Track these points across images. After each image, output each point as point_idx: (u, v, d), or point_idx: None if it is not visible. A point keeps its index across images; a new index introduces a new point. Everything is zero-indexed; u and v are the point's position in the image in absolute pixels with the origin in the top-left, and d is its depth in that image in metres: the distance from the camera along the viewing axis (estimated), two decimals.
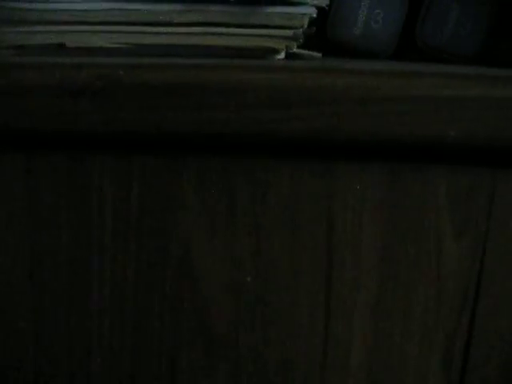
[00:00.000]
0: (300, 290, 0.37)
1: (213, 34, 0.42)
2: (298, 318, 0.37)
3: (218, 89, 0.32)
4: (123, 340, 0.38)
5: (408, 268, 0.37)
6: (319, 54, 0.45)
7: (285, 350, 0.38)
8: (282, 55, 0.43)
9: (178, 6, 0.41)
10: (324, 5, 0.42)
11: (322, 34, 0.52)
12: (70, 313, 0.38)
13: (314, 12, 0.42)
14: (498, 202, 0.36)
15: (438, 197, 0.36)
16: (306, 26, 0.42)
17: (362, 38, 0.52)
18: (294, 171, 0.36)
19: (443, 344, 0.38)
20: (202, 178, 0.36)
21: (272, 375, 0.38)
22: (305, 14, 0.41)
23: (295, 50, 0.43)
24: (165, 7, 0.41)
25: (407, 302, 0.37)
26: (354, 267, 0.37)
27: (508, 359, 0.38)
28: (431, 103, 0.32)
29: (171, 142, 0.35)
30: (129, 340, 0.38)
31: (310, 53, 0.45)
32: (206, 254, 0.37)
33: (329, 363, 0.38)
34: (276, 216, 0.36)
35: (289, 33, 0.42)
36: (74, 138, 0.34)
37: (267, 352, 0.38)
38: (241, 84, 0.32)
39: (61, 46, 0.44)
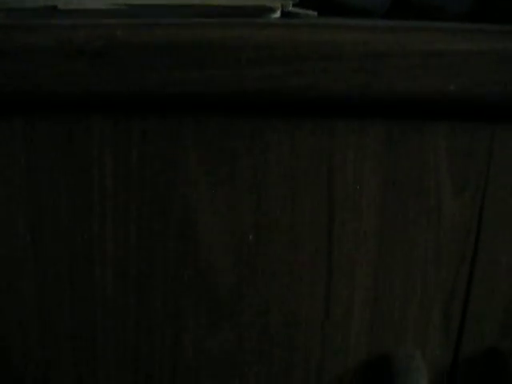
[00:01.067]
0: (302, 248, 0.37)
1: None
2: (299, 275, 0.38)
3: (218, 46, 0.32)
4: (127, 304, 0.38)
5: (408, 224, 0.37)
6: (314, 13, 0.45)
7: (287, 308, 0.38)
8: (277, 14, 0.43)
9: None
10: None
11: None
12: (73, 279, 0.38)
13: None
14: (496, 159, 0.36)
15: (437, 153, 0.36)
16: None
17: None
18: (293, 129, 0.36)
19: (442, 299, 0.38)
20: (202, 138, 0.36)
21: (275, 333, 0.39)
22: None
23: (291, 8, 0.43)
24: None
25: (407, 258, 0.38)
26: (354, 224, 0.37)
27: (506, 314, 0.39)
28: (431, 58, 0.32)
29: (171, 102, 0.34)
30: (132, 304, 0.38)
31: (306, 11, 0.45)
32: (208, 215, 0.37)
33: (331, 321, 0.39)
34: (277, 175, 0.36)
35: None
36: (73, 100, 0.34)
37: (270, 310, 0.38)
38: (240, 41, 0.32)
39: (53, 9, 0.44)
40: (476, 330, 0.39)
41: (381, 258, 0.38)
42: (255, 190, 0.36)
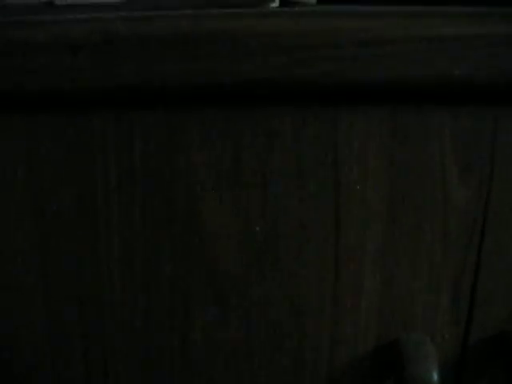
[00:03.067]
0: (309, 236, 0.37)
1: None
2: (307, 264, 0.38)
3: (219, 37, 0.32)
4: (134, 298, 0.38)
5: (414, 211, 0.37)
6: (313, 1, 0.45)
7: (295, 297, 0.38)
8: (276, 3, 0.42)
9: None
10: None
11: None
12: (80, 273, 0.38)
13: None
14: (501, 143, 0.36)
15: (442, 138, 0.36)
16: None
17: None
18: (297, 118, 0.35)
19: (451, 282, 0.38)
20: (206, 129, 0.35)
21: (283, 322, 0.39)
22: None
23: None
24: None
25: (415, 244, 0.38)
26: (361, 211, 0.37)
27: None
28: (435, 42, 0.32)
29: (173, 94, 0.34)
30: (140, 297, 0.38)
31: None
32: (214, 206, 0.37)
33: (340, 307, 0.39)
34: (282, 164, 0.36)
35: None
36: (74, 95, 0.34)
37: (277, 300, 0.38)
38: (242, 31, 0.32)
39: (49, 5, 0.43)
40: (485, 314, 0.39)
41: (388, 245, 0.38)
42: (260, 180, 0.36)
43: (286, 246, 0.37)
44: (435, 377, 0.37)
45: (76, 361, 0.39)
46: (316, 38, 0.32)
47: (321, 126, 0.35)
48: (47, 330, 0.39)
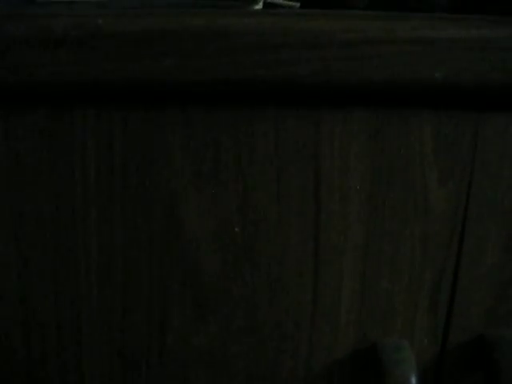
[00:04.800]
0: (288, 238, 0.37)
1: None
2: (287, 266, 0.38)
3: (200, 35, 0.32)
4: (112, 295, 0.38)
5: (394, 213, 0.37)
6: (297, 4, 0.45)
7: (275, 299, 0.38)
8: (259, 5, 0.42)
9: None
10: None
11: None
12: (57, 272, 0.37)
13: None
14: (481, 147, 0.36)
15: (423, 141, 0.36)
16: None
17: None
18: (278, 118, 0.35)
19: (429, 288, 0.38)
20: (186, 128, 0.35)
21: (262, 325, 0.39)
22: None
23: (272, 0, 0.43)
24: None
25: (394, 246, 0.38)
26: (341, 214, 0.37)
27: (493, 302, 0.39)
28: (415, 45, 0.32)
29: (154, 92, 0.34)
30: (118, 294, 0.38)
31: (288, 2, 0.44)
32: (193, 206, 0.36)
33: (318, 311, 0.38)
34: (262, 165, 0.36)
35: None
36: (54, 91, 0.33)
37: (257, 302, 0.38)
38: (224, 29, 0.32)
39: (30, 1, 0.43)
40: (463, 318, 0.39)
41: (367, 248, 0.37)
42: (241, 180, 0.36)
43: (265, 247, 0.37)
44: (414, 381, 0.37)
45: (51, 361, 0.39)
46: (299, 38, 0.32)
47: (302, 128, 0.35)
48: (23, 329, 0.38)
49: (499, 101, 0.35)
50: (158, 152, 0.36)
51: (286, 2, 0.44)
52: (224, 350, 0.39)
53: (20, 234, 0.37)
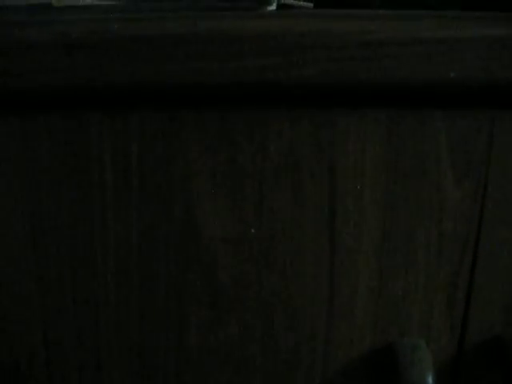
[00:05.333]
0: (304, 240, 0.37)
1: None
2: (303, 268, 0.38)
3: (215, 38, 0.32)
4: (130, 296, 0.38)
5: (410, 213, 0.37)
6: (310, 4, 0.45)
7: (291, 300, 0.38)
8: (273, 6, 0.42)
9: None
10: None
11: None
12: (75, 274, 0.38)
13: None
14: (496, 146, 0.36)
15: (438, 142, 0.36)
16: None
17: None
18: (293, 120, 0.35)
19: (446, 288, 0.38)
20: (202, 130, 0.35)
21: (279, 325, 0.39)
22: None
23: (286, 0, 0.43)
24: None
25: (410, 247, 0.38)
26: (357, 215, 0.37)
27: (509, 302, 0.39)
28: (430, 45, 0.32)
29: (169, 95, 0.34)
30: (135, 296, 0.38)
31: (301, 3, 0.44)
32: (210, 208, 0.37)
33: (335, 311, 0.38)
34: (277, 167, 0.36)
35: None
36: (71, 95, 0.34)
37: (273, 303, 0.38)
38: (237, 32, 0.32)
39: (47, 6, 0.43)
40: (480, 318, 0.39)
41: (384, 248, 0.38)
42: (256, 181, 0.36)
43: (281, 249, 0.37)
44: (430, 381, 0.37)
45: (70, 362, 0.39)
46: (312, 39, 0.32)
47: (317, 129, 0.35)
48: (42, 331, 0.39)
49: None
50: (174, 154, 0.36)
51: (299, 3, 0.44)
52: (241, 350, 0.39)
53: (38, 236, 0.37)
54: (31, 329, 0.39)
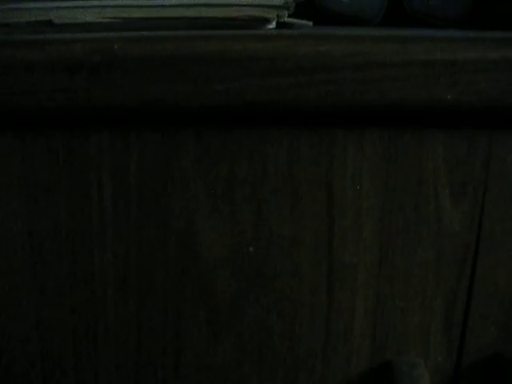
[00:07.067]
0: (302, 259, 0.37)
1: (203, 5, 0.42)
2: (300, 286, 0.38)
3: (214, 60, 0.32)
4: (127, 313, 0.38)
5: (407, 232, 0.37)
6: (310, 23, 0.45)
7: (288, 319, 0.38)
8: (273, 24, 0.43)
9: None
10: None
11: (309, 1, 0.52)
12: (74, 289, 0.38)
13: None
14: (494, 165, 0.36)
15: (435, 161, 0.36)
16: None
17: (350, 5, 0.52)
18: (291, 140, 0.36)
19: (444, 307, 0.38)
20: (201, 149, 0.36)
21: (276, 344, 0.39)
22: None
23: (286, 19, 0.43)
24: None
25: (408, 265, 0.38)
26: (354, 233, 0.37)
27: (507, 320, 0.39)
28: (428, 67, 0.33)
29: (169, 115, 0.34)
30: (133, 313, 0.38)
31: (301, 21, 0.45)
32: (208, 226, 0.37)
33: (333, 330, 0.39)
34: (276, 185, 0.36)
35: (280, 2, 0.41)
36: (72, 114, 0.34)
37: (271, 322, 0.38)
38: (237, 54, 0.32)
39: (48, 23, 0.44)
40: (478, 335, 0.39)
41: (381, 267, 0.38)
42: (255, 202, 0.36)
43: (278, 267, 0.37)
44: None
45: (68, 375, 0.39)
46: (312, 61, 0.32)
47: (315, 149, 0.36)
48: (39, 348, 0.39)
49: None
50: (173, 172, 0.36)
51: (298, 21, 0.44)
52: (238, 370, 0.39)
53: (37, 252, 0.37)
54: (28, 341, 0.39)
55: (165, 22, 0.42)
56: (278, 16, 0.42)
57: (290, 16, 0.44)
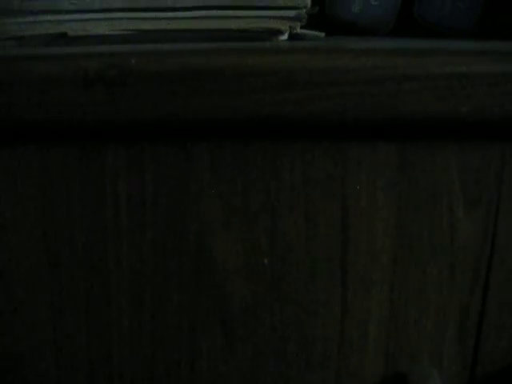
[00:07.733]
0: (317, 270, 0.38)
1: (215, 17, 0.42)
2: (315, 297, 0.38)
3: (230, 73, 0.32)
4: (142, 328, 0.38)
5: (422, 244, 0.37)
6: (322, 34, 0.45)
7: (303, 329, 0.38)
8: (285, 36, 0.43)
9: None
10: None
11: (320, 11, 0.52)
12: (89, 300, 0.38)
13: None
14: (507, 177, 0.36)
15: (449, 173, 0.36)
16: (309, 6, 0.42)
17: (361, 15, 0.53)
18: (306, 153, 0.36)
19: (457, 317, 0.39)
20: (216, 163, 0.36)
21: (290, 354, 0.39)
22: None
23: (298, 30, 0.43)
24: None
25: (422, 276, 0.38)
26: (368, 245, 0.37)
27: None
28: (441, 81, 0.33)
29: (184, 129, 0.35)
30: (147, 325, 0.38)
31: (313, 33, 0.45)
32: (222, 238, 0.37)
33: (347, 339, 0.39)
34: (290, 198, 0.36)
35: (292, 13, 0.42)
36: (88, 128, 0.34)
37: (285, 332, 0.39)
38: (254, 67, 0.32)
39: (62, 36, 0.44)
40: (492, 347, 0.39)
41: (395, 278, 0.38)
42: (269, 213, 0.37)
43: (294, 279, 0.38)
44: None
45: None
46: (325, 75, 0.33)
47: (329, 163, 0.36)
48: (55, 354, 0.39)
49: None
50: (188, 185, 0.36)
51: (311, 33, 0.45)
52: (252, 379, 0.39)
53: (53, 264, 0.37)
54: (43, 354, 0.39)
55: (177, 35, 0.43)
56: (290, 27, 0.42)
57: (302, 27, 0.44)
